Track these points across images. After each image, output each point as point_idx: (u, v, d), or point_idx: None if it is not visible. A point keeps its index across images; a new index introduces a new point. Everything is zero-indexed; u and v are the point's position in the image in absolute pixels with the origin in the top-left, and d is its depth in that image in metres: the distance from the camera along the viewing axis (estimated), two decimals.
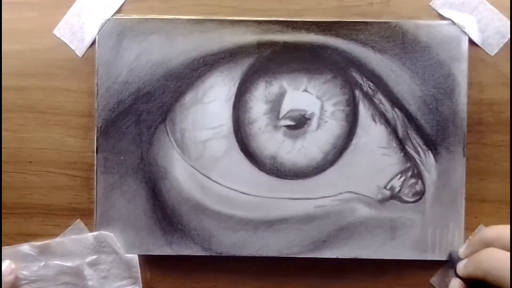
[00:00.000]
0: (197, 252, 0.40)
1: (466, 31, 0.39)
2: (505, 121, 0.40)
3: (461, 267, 0.37)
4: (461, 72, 0.39)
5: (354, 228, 0.40)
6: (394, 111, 0.40)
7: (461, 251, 0.38)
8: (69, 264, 0.40)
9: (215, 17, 0.40)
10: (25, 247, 0.40)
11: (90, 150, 0.40)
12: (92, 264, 0.40)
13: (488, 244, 0.35)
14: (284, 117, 0.40)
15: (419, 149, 0.40)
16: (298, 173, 0.40)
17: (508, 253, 0.32)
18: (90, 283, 0.40)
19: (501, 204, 0.40)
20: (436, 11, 0.40)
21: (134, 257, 0.40)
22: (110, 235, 0.40)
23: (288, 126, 0.40)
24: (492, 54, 0.40)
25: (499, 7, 0.40)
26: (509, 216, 0.40)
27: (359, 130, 0.40)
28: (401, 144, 0.40)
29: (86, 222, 0.40)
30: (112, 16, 0.40)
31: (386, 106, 0.40)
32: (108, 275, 0.40)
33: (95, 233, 0.40)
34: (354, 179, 0.40)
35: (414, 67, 0.39)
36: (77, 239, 0.40)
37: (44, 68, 0.40)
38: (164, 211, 0.40)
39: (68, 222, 0.41)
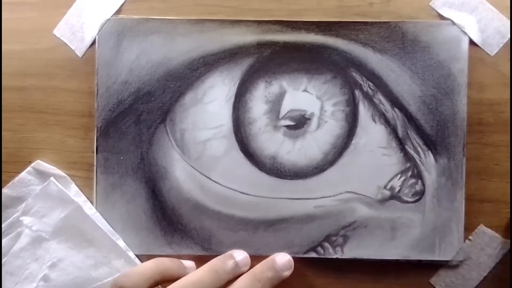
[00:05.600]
0: (197, 251, 0.40)
1: (466, 31, 0.39)
2: (505, 121, 0.40)
3: None
4: (461, 72, 0.39)
5: (354, 228, 0.40)
6: (394, 111, 0.40)
7: None
8: (6, 223, 0.39)
9: (215, 17, 0.40)
10: None
11: (90, 150, 0.40)
12: (26, 212, 0.39)
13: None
14: (284, 117, 0.40)
15: (419, 149, 0.40)
16: (298, 173, 0.40)
17: None
18: (34, 228, 0.39)
19: (501, 204, 0.40)
20: (436, 11, 0.40)
21: (49, 182, 0.39)
22: (37, 162, 0.40)
23: (288, 126, 0.40)
24: (492, 54, 0.40)
25: (499, 7, 0.40)
26: (509, 216, 0.40)
27: (359, 130, 0.40)
28: (401, 144, 0.40)
29: None
30: (112, 16, 0.40)
31: (386, 106, 0.40)
32: (45, 212, 0.39)
33: (27, 168, 0.40)
34: (354, 179, 0.40)
35: (414, 67, 0.39)
36: (14, 183, 0.40)
37: (44, 68, 0.40)
38: (164, 211, 0.40)
39: None
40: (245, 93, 0.40)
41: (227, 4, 0.40)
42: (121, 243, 0.39)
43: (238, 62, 0.40)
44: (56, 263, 0.39)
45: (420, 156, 0.40)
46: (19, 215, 0.39)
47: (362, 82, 0.40)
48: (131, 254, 0.39)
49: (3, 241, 0.39)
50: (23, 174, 0.40)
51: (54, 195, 0.39)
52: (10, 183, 0.40)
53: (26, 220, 0.39)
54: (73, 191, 0.40)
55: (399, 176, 0.40)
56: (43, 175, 0.40)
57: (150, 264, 0.37)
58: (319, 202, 0.40)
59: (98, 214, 0.40)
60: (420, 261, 0.40)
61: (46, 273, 0.39)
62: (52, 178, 0.40)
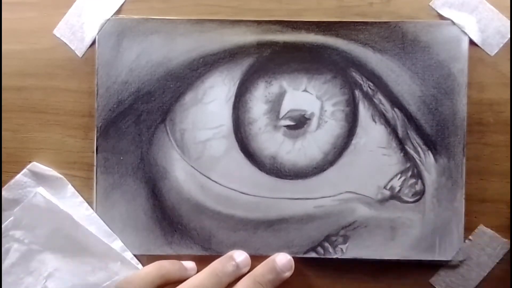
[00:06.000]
0: (197, 251, 0.40)
1: (466, 31, 0.39)
2: (505, 121, 0.40)
3: None
4: (461, 72, 0.39)
5: (354, 228, 0.40)
6: (394, 111, 0.40)
7: None
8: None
9: (215, 17, 0.40)
10: None
11: (90, 150, 0.40)
12: (16, 226, 0.39)
13: None
14: (284, 117, 0.40)
15: (419, 149, 0.40)
16: (298, 173, 0.40)
17: None
18: (26, 241, 0.39)
19: (501, 204, 0.40)
20: (436, 11, 0.40)
21: (35, 194, 0.39)
22: (32, 164, 0.40)
23: (288, 126, 0.40)
24: (492, 54, 0.40)
25: (499, 7, 0.40)
26: (509, 216, 0.40)
27: (359, 130, 0.40)
28: (401, 144, 0.40)
29: None
30: (112, 16, 0.40)
31: (386, 106, 0.40)
32: (36, 224, 0.39)
33: (23, 170, 0.40)
34: (354, 179, 0.40)
35: (414, 67, 0.39)
36: (11, 185, 0.40)
37: (44, 68, 0.40)
38: (164, 211, 0.40)
39: None
40: (245, 93, 0.40)
41: (227, 4, 0.40)
42: (116, 245, 0.39)
43: (238, 62, 0.40)
44: (53, 273, 0.39)
45: (420, 156, 0.40)
46: (9, 228, 0.39)
47: (362, 82, 0.40)
48: (128, 256, 0.39)
49: None
50: (19, 176, 0.40)
51: (42, 207, 0.39)
52: (6, 186, 0.40)
53: (17, 234, 0.39)
54: (69, 192, 0.40)
55: (399, 176, 0.40)
56: (39, 177, 0.40)
57: (151, 268, 0.37)
58: (319, 202, 0.40)
59: (95, 215, 0.40)
60: (420, 261, 0.40)
61: (44, 284, 0.39)
62: (38, 190, 0.39)
